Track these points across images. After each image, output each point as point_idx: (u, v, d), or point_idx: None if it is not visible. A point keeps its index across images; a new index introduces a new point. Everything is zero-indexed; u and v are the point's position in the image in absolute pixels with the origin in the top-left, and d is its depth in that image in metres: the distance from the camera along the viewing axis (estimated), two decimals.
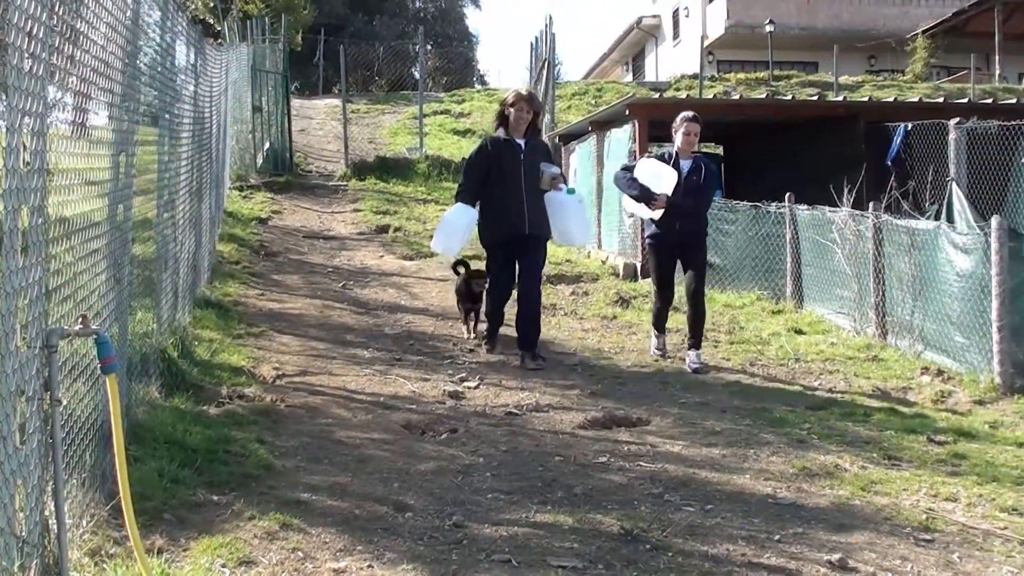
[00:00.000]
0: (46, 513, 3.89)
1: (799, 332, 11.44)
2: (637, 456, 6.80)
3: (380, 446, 6.88)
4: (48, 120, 3.83)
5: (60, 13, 4.08)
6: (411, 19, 48.39)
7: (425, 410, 7.94)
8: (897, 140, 15.46)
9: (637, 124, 15.55)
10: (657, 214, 9.87)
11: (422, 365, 9.53)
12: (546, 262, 10.73)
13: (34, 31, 3.55)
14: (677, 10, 47.69)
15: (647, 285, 14.00)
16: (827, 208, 12.27)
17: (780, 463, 6.70)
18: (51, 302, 4.00)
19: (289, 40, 26.99)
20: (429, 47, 37.84)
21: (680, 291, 10.28)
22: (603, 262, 16.11)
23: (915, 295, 10.41)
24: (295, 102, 27.77)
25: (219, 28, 27.44)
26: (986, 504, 6.04)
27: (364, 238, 17.25)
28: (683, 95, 24.99)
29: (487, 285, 10.39)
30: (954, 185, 13.10)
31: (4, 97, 3.52)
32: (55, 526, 3.89)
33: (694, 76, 33.98)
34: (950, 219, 12.39)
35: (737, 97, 21.08)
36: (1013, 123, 13.55)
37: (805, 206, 12.85)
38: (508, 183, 9.88)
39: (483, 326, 10.59)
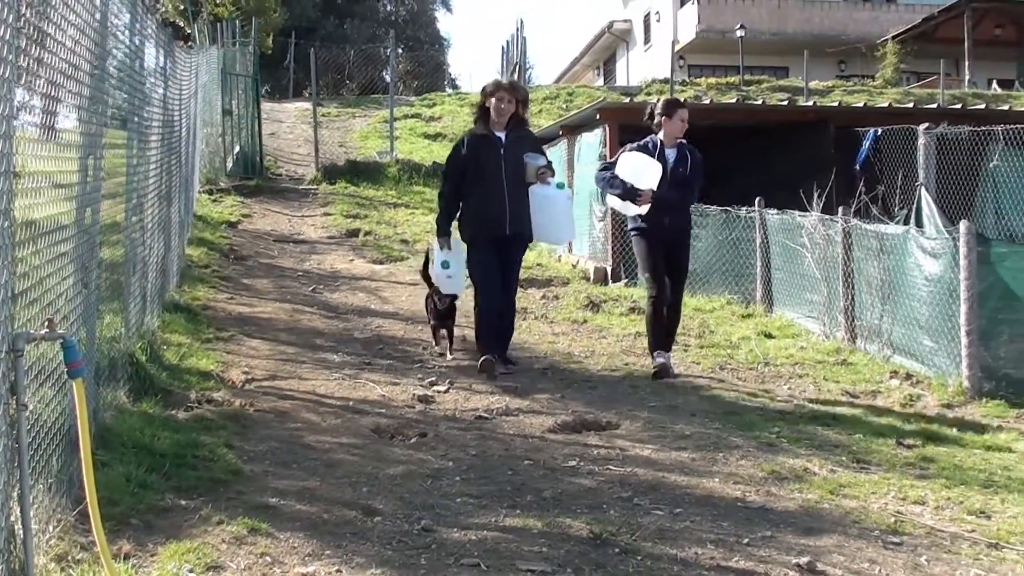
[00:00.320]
0: (12, 518, 3.86)
1: (769, 336, 11.48)
2: (607, 460, 6.80)
3: (349, 450, 6.86)
4: (15, 123, 3.81)
5: (27, 15, 4.05)
6: (382, 22, 48.41)
7: (394, 414, 7.92)
8: (867, 145, 15.55)
9: (608, 128, 15.59)
10: (643, 210, 9.45)
11: (392, 369, 9.51)
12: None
13: (0, 33, 3.53)
14: (648, 15, 47.84)
15: (618, 289, 14.08)
16: (797, 212, 12.32)
17: (749, 467, 6.72)
18: (17, 306, 3.97)
19: (259, 43, 26.90)
20: (400, 51, 37.87)
21: None
22: (574, 266, 16.14)
23: (884, 299, 10.46)
24: (265, 105, 27.69)
25: (189, 31, 27.36)
26: (954, 507, 6.07)
27: (334, 242, 17.21)
28: (654, 100, 25.07)
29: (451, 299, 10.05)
30: (923, 190, 13.17)
31: None
32: (21, 531, 3.86)
33: (665, 81, 34.03)
34: (919, 224, 12.45)
35: (708, 101, 21.12)
36: (982, 128, 13.66)
37: (775, 210, 12.90)
38: (487, 180, 9.42)
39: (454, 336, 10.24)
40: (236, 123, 22.71)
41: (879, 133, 15.33)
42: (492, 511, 5.65)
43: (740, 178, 16.35)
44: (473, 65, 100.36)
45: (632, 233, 9.87)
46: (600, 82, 51.09)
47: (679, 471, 6.60)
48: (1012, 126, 13.27)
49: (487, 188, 9.44)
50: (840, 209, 11.48)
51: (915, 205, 13.24)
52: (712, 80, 37.27)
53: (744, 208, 13.49)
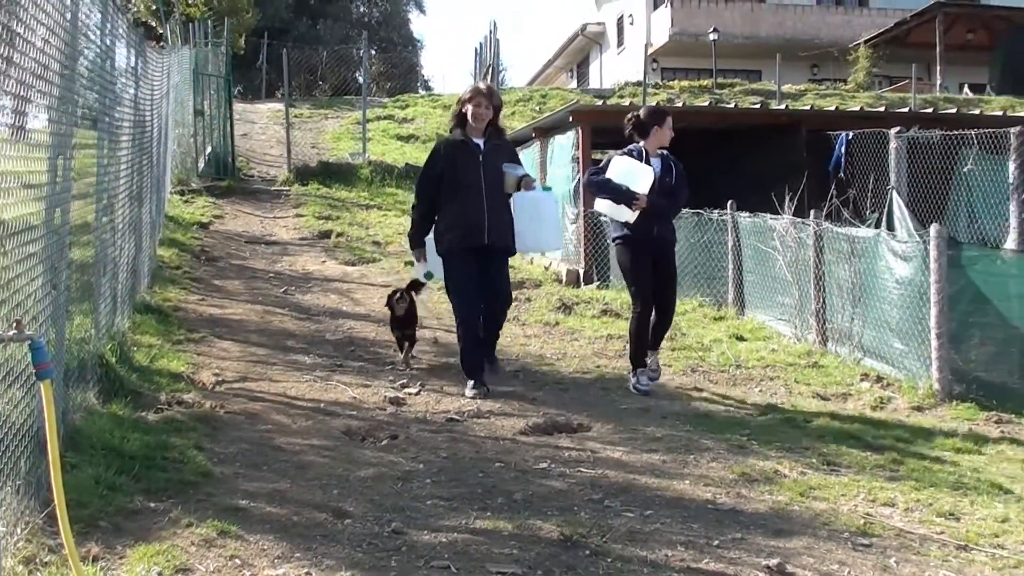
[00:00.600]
0: None
1: (740, 339, 11.51)
2: (578, 462, 6.80)
3: (320, 452, 6.83)
4: None
5: None
6: (355, 24, 48.34)
7: (366, 416, 7.90)
8: (839, 149, 15.62)
9: (580, 131, 15.64)
10: (635, 216, 8.98)
11: (363, 371, 9.49)
12: None
13: None
14: (622, 17, 47.97)
15: (590, 291, 14.09)
16: (769, 216, 12.37)
17: (720, 469, 6.73)
18: None
19: (232, 43, 26.81)
20: (373, 52, 37.85)
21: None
22: (546, 268, 16.14)
23: (855, 302, 10.51)
24: (238, 106, 27.63)
25: (161, 31, 27.26)
26: (923, 509, 6.10)
27: (306, 243, 17.15)
28: (627, 102, 25.09)
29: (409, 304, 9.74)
30: (894, 193, 13.25)
31: None
32: None
33: (638, 83, 34.06)
34: (890, 227, 12.54)
35: (680, 104, 21.17)
36: (954, 132, 13.74)
37: (747, 213, 12.94)
38: (465, 187, 8.89)
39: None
40: (208, 124, 22.62)
41: (851, 137, 15.41)
42: (463, 513, 5.65)
43: (712, 181, 16.40)
44: (446, 67, 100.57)
45: (616, 243, 9.38)
46: (573, 84, 51.23)
47: (650, 473, 6.61)
48: (984, 130, 13.34)
49: (465, 196, 8.90)
50: (812, 212, 11.53)
51: (886, 208, 13.32)
52: (685, 83, 37.41)
53: (716, 211, 13.53)
